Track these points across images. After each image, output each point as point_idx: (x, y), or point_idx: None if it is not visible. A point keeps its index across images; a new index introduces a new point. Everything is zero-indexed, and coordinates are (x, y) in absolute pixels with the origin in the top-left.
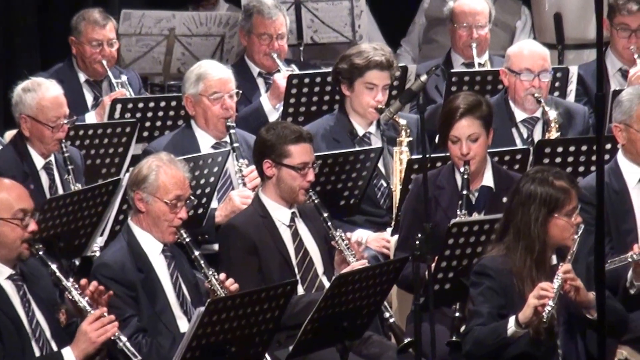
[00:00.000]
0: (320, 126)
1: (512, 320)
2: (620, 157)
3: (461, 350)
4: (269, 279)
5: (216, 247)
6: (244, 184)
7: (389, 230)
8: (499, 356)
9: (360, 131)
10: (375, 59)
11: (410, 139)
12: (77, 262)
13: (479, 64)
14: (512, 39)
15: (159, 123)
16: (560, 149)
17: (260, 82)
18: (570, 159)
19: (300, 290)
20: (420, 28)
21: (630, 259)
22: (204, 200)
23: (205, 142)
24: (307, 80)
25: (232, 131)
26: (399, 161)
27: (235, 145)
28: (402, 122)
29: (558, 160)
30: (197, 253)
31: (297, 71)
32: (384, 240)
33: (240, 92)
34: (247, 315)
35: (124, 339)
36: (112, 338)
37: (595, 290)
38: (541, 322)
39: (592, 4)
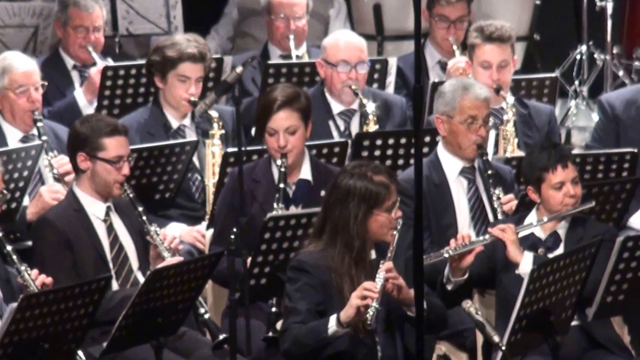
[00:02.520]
0: (134, 119)
1: (333, 319)
2: (440, 149)
3: (277, 346)
4: (83, 274)
5: (30, 243)
6: (56, 179)
7: (204, 224)
8: (318, 355)
9: (175, 124)
10: (188, 51)
11: (223, 131)
12: None
13: (297, 56)
14: (327, 29)
15: None
16: (379, 142)
17: (75, 75)
18: (389, 151)
19: (115, 285)
20: (230, 21)
21: (446, 254)
22: (17, 194)
23: (13, 136)
24: (122, 72)
25: (39, 124)
26: (212, 154)
27: (44, 138)
28: (214, 114)
29: (377, 153)
30: (9, 248)
31: (112, 63)
32: (198, 234)
33: (46, 83)
34: (61, 311)
35: None
36: None
37: (414, 286)
38: (365, 323)
39: None
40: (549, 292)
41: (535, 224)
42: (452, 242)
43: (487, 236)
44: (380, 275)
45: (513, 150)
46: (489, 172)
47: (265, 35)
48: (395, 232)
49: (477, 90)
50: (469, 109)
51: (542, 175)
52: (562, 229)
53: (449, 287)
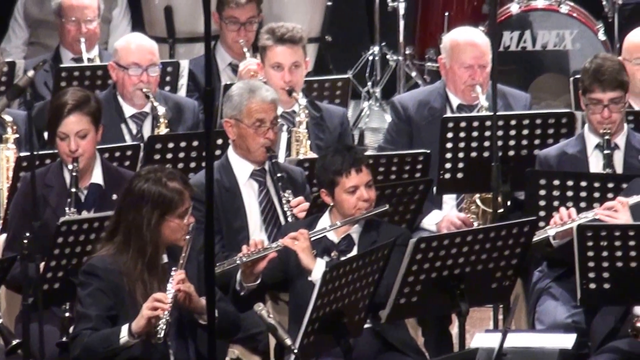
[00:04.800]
0: None
1: (124, 329)
2: (230, 152)
3: None
4: None
5: None
6: None
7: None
8: None
9: None
10: None
11: (17, 135)
12: None
13: (88, 59)
14: (110, 31)
15: None
16: (171, 145)
17: None
18: (181, 154)
19: None
20: (18, 33)
21: (239, 261)
22: None
23: None
24: None
25: None
26: (5, 159)
27: None
28: (8, 118)
29: (169, 156)
30: None
31: None
32: None
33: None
34: None
35: None
36: None
37: (206, 292)
38: (156, 334)
39: None
40: (342, 294)
41: (328, 229)
42: (245, 248)
43: (280, 242)
44: (171, 286)
45: (306, 152)
46: (279, 174)
47: (56, 43)
48: (188, 238)
49: (263, 93)
50: (256, 112)
51: (336, 179)
52: (355, 232)
53: (242, 293)
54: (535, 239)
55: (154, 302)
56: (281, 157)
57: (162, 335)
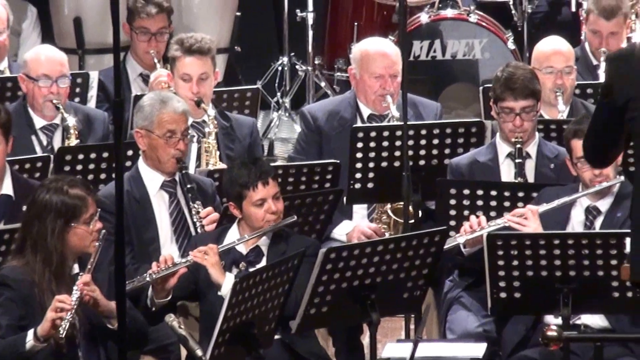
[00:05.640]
0: None
1: (30, 333)
2: (141, 163)
3: None
4: None
5: None
6: None
7: None
8: None
9: None
10: None
11: None
12: None
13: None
14: (20, 42)
15: None
16: (81, 156)
17: None
18: (91, 166)
19: None
20: None
21: (149, 279)
22: None
23: None
24: None
25: None
26: None
27: None
28: None
29: (79, 167)
30: None
31: None
32: None
33: None
34: None
35: None
36: None
37: (116, 302)
38: (58, 336)
39: None
40: (252, 305)
41: (237, 242)
42: (155, 265)
43: (190, 257)
44: (77, 288)
45: (215, 162)
46: (189, 185)
47: None
48: (97, 244)
49: (174, 104)
50: (167, 123)
51: (243, 193)
52: (264, 244)
53: (154, 309)
54: (445, 246)
55: (57, 304)
56: (191, 168)
57: (63, 334)
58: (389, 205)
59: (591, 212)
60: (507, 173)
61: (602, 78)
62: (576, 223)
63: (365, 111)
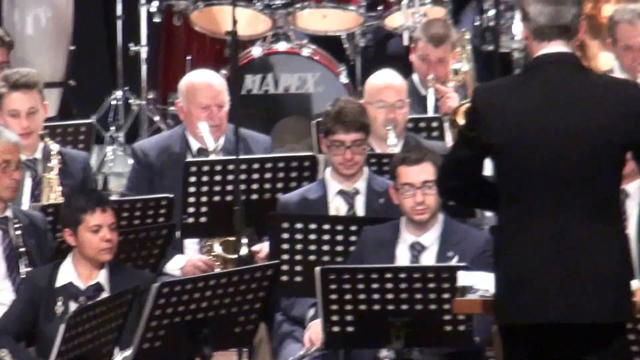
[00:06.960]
0: None
1: None
2: None
3: None
4: None
5: None
6: None
7: None
8: None
9: None
10: None
11: None
12: None
13: None
14: None
15: None
16: None
17: None
18: None
19: None
20: None
21: None
22: None
23: None
24: None
25: None
26: None
27: None
28: None
29: None
30: None
31: None
32: None
33: None
34: None
35: None
36: None
37: None
38: None
39: None
40: (87, 339)
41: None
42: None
43: None
44: None
45: (57, 197)
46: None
47: None
48: None
49: (7, 134)
50: (2, 154)
51: (80, 217)
52: (103, 278)
53: None
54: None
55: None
56: (25, 204)
57: None
58: (217, 241)
59: (415, 248)
60: (336, 210)
61: (430, 108)
62: (402, 261)
63: (195, 144)
